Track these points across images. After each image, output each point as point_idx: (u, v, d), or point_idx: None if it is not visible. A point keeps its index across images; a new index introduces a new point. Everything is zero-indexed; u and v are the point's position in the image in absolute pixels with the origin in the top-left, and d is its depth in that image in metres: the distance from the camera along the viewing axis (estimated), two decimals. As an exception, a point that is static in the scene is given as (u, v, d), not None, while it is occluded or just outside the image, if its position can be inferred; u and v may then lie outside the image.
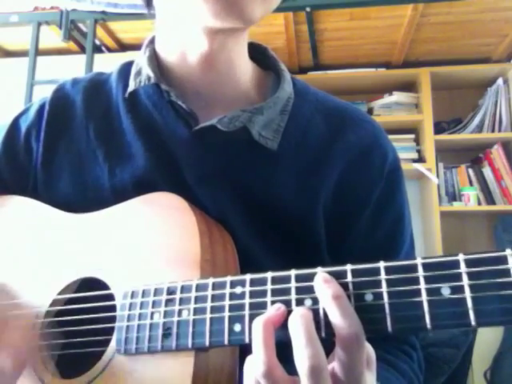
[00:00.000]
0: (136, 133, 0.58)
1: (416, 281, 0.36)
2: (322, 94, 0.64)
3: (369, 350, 0.39)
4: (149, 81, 0.57)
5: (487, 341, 2.07)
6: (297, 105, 0.59)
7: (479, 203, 2.34)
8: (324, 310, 0.37)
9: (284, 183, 0.56)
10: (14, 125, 0.64)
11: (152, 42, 0.62)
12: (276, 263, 0.53)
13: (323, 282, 0.37)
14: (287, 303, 0.39)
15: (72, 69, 2.13)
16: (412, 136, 2.44)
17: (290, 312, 0.38)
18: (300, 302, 0.38)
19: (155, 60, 0.59)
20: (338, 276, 0.38)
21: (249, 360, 0.38)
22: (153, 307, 0.45)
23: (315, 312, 0.37)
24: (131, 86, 0.59)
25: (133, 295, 0.47)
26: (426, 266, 0.36)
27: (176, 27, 0.56)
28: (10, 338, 0.47)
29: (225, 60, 0.56)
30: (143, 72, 0.59)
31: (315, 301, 0.38)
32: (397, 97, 2.46)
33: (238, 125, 0.54)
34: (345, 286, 0.37)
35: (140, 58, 0.61)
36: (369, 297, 0.37)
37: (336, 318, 0.36)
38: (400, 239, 0.60)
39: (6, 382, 0.44)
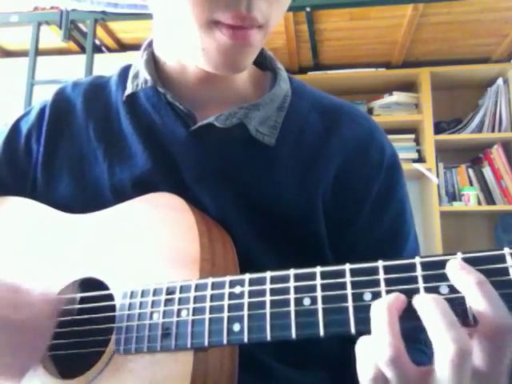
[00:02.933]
0: (135, 134, 0.58)
1: (414, 280, 0.36)
2: (318, 92, 0.65)
3: None
4: (146, 84, 0.58)
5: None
6: (294, 102, 0.60)
7: (479, 203, 2.34)
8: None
9: (282, 180, 0.56)
10: (15, 127, 0.65)
11: (150, 44, 0.63)
12: (276, 262, 0.53)
13: (461, 268, 0.34)
14: (286, 303, 0.39)
15: (72, 69, 2.14)
16: (412, 136, 2.44)
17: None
18: (299, 302, 0.38)
19: (153, 63, 0.60)
20: (337, 275, 0.38)
21: (366, 343, 0.35)
22: (152, 307, 0.45)
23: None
24: (129, 89, 0.60)
25: (132, 295, 0.47)
26: (424, 265, 0.36)
27: (174, 42, 0.56)
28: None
29: None
30: (140, 75, 0.59)
31: (314, 300, 0.38)
32: (397, 97, 2.46)
33: (234, 121, 0.54)
34: (343, 285, 0.37)
35: (138, 62, 0.61)
36: (367, 296, 0.37)
37: (482, 305, 0.32)
38: (403, 233, 0.60)
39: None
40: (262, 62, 0.64)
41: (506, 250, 0.34)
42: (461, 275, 0.34)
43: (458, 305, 0.34)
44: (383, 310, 0.34)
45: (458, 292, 0.34)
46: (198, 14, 0.47)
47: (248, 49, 0.50)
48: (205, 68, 0.52)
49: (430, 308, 0.33)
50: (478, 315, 0.33)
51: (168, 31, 0.55)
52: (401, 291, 0.36)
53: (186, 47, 0.52)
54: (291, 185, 0.56)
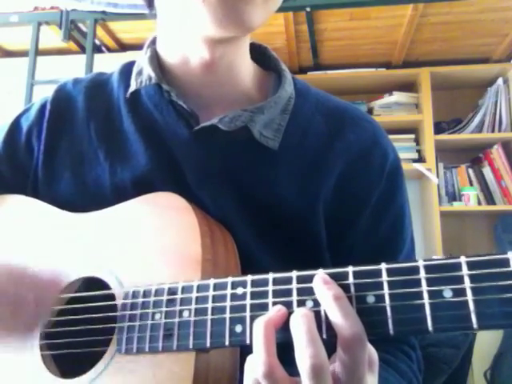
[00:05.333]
0: (137, 133, 0.58)
1: (418, 283, 0.35)
2: (322, 94, 0.64)
3: (371, 351, 0.38)
4: (150, 81, 0.57)
5: (487, 341, 2.07)
6: (298, 105, 0.60)
7: (479, 203, 2.34)
8: (325, 311, 0.37)
9: (285, 183, 0.56)
10: (15, 124, 0.64)
11: (153, 42, 0.62)
12: (277, 263, 0.53)
13: (323, 284, 0.37)
14: (288, 304, 0.39)
15: (72, 69, 2.13)
16: (412, 136, 2.44)
17: (290, 314, 0.38)
18: (301, 304, 0.38)
19: (156, 60, 0.59)
20: (340, 278, 0.38)
21: (249, 360, 0.38)
22: (154, 307, 0.45)
23: (316, 313, 0.37)
24: (132, 86, 0.59)
25: (134, 295, 0.47)
26: (427, 268, 0.35)
27: (177, 33, 0.56)
28: None
29: (226, 64, 0.57)
30: (144, 72, 0.59)
31: (317, 302, 0.38)
32: (397, 97, 2.46)
33: (238, 124, 0.54)
34: (346, 287, 0.37)
35: (141, 58, 0.61)
36: (370, 299, 0.36)
37: (337, 319, 0.35)
38: (400, 239, 0.60)
39: None
40: (266, 63, 0.63)
41: (510, 255, 0.34)
42: (321, 290, 0.37)
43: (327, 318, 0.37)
44: (261, 326, 0.37)
45: (462, 295, 0.34)
46: None
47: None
48: (209, 31, 0.49)
49: (297, 324, 0.36)
50: (335, 328, 0.36)
51: (172, 15, 0.54)
52: (404, 294, 0.36)
53: (187, 10, 0.49)
54: (293, 187, 0.56)
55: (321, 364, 0.34)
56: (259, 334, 0.37)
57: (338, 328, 0.35)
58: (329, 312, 0.36)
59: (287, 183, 0.56)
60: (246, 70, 0.60)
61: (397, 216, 0.60)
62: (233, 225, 0.53)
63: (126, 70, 0.63)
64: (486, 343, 2.06)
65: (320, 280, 0.38)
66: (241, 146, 0.56)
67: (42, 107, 0.64)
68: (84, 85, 0.64)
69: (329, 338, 0.37)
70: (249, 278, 0.41)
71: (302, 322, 0.36)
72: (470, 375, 2.04)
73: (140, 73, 0.59)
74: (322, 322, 0.37)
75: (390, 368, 0.54)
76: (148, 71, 0.58)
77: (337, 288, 0.37)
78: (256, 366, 0.36)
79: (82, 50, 2.32)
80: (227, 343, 0.40)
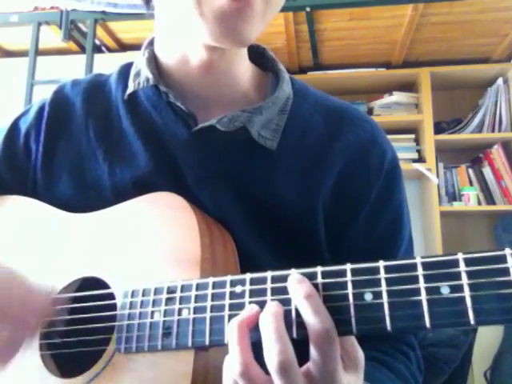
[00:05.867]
0: (136, 134, 0.58)
1: (415, 280, 0.36)
2: (320, 94, 0.64)
3: (358, 353, 0.39)
4: (147, 82, 0.58)
5: (487, 341, 2.07)
6: (296, 105, 0.60)
7: (479, 203, 2.34)
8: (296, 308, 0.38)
9: (284, 183, 0.56)
10: (14, 126, 0.64)
11: (151, 43, 0.62)
12: (276, 262, 0.53)
13: (296, 283, 0.38)
14: (287, 302, 0.39)
15: (72, 69, 2.14)
16: (412, 136, 2.44)
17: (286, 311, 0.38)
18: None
19: (154, 61, 0.60)
20: (338, 275, 0.38)
21: (226, 361, 0.38)
22: (153, 306, 0.45)
23: (288, 313, 0.38)
24: (130, 88, 0.60)
25: (133, 294, 0.47)
26: (425, 265, 0.36)
27: (176, 34, 0.56)
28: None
29: (225, 65, 0.57)
30: (142, 73, 0.59)
31: None
32: (397, 97, 2.46)
33: (237, 125, 0.54)
34: (344, 284, 0.38)
35: (139, 60, 0.61)
36: (368, 296, 0.37)
37: (308, 316, 0.36)
38: (398, 237, 0.60)
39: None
40: (264, 63, 0.63)
41: (507, 251, 0.34)
42: (293, 288, 0.38)
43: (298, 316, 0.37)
44: (234, 327, 0.38)
45: (460, 291, 0.34)
46: None
47: (249, 14, 0.47)
48: (206, 41, 0.50)
49: (265, 321, 0.37)
50: (306, 324, 0.36)
51: (170, 19, 0.55)
52: (401, 291, 0.36)
53: (186, 18, 0.50)
54: (292, 187, 0.56)
55: (288, 360, 0.35)
56: (233, 334, 0.37)
57: (308, 325, 0.36)
58: (300, 309, 0.37)
59: (286, 183, 0.56)
60: (244, 70, 0.60)
61: (395, 214, 0.60)
62: (232, 224, 0.53)
63: (125, 72, 0.63)
64: (486, 343, 2.06)
65: (294, 279, 0.39)
66: (239, 146, 0.56)
67: (41, 109, 0.64)
68: (82, 86, 0.64)
69: (299, 336, 0.37)
70: (247, 276, 0.41)
71: (270, 319, 0.37)
72: (470, 375, 2.04)
73: (138, 74, 0.60)
74: (292, 320, 0.38)
75: (383, 367, 0.54)
76: (146, 73, 0.58)
77: (309, 286, 0.38)
78: (232, 366, 0.37)
79: (82, 50, 2.32)
80: (226, 341, 0.40)
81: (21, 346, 0.50)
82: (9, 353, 0.49)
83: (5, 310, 0.46)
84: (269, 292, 0.40)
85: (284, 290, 0.39)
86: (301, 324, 0.37)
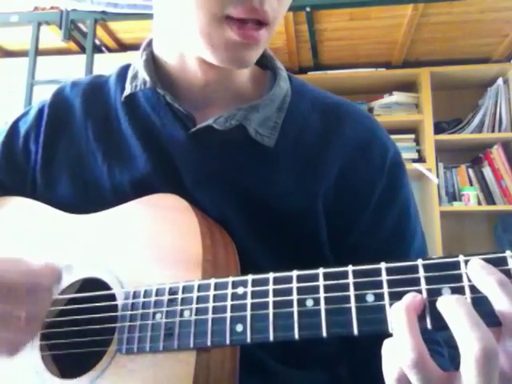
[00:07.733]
0: (135, 135, 0.58)
1: (417, 281, 0.36)
2: (318, 91, 0.64)
3: None
4: (145, 85, 0.58)
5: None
6: (294, 102, 0.59)
7: (479, 203, 2.34)
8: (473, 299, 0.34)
9: (283, 181, 0.56)
10: (14, 127, 0.65)
11: (149, 44, 0.62)
12: (277, 264, 0.53)
13: (482, 269, 0.34)
14: (289, 304, 0.39)
15: (72, 69, 2.14)
16: (412, 136, 2.44)
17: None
18: (302, 303, 0.39)
19: (152, 63, 0.60)
20: (340, 276, 0.38)
21: (390, 345, 0.35)
22: (155, 307, 0.45)
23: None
24: (127, 90, 0.60)
25: (135, 295, 0.47)
26: (426, 267, 0.36)
27: (175, 35, 0.56)
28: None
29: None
30: (139, 76, 0.59)
31: (317, 301, 0.38)
32: (397, 97, 2.46)
33: (233, 123, 0.54)
34: (345, 286, 0.38)
35: (137, 62, 0.61)
36: (370, 297, 0.37)
37: (505, 306, 0.32)
38: (408, 232, 0.59)
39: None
40: (263, 61, 0.63)
41: (508, 253, 0.34)
42: (482, 276, 0.34)
43: (480, 305, 0.33)
44: (401, 312, 0.34)
45: (461, 294, 0.34)
46: (209, 8, 0.47)
47: (255, 46, 0.51)
48: (210, 61, 0.52)
49: (454, 309, 0.33)
50: (500, 316, 0.32)
51: (171, 28, 0.55)
52: (403, 293, 0.36)
53: (193, 43, 0.52)
54: (291, 185, 0.56)
55: (492, 347, 0.30)
56: (402, 317, 0.34)
57: (505, 316, 0.32)
58: (494, 299, 0.33)
59: (285, 181, 0.56)
60: (242, 70, 0.60)
61: (401, 211, 0.59)
62: (231, 225, 0.53)
63: (123, 73, 0.63)
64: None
65: (478, 266, 0.34)
66: (237, 145, 0.56)
67: (40, 111, 0.64)
68: (82, 87, 0.65)
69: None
70: (249, 277, 0.41)
71: (459, 306, 0.33)
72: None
73: (135, 76, 0.60)
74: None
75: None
76: (143, 75, 0.58)
77: (499, 273, 0.33)
78: (402, 353, 0.32)
79: (82, 50, 2.32)
80: (228, 342, 0.40)
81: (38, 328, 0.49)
82: (26, 338, 0.47)
83: (16, 287, 0.45)
84: (271, 293, 0.40)
85: (286, 292, 0.39)
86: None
